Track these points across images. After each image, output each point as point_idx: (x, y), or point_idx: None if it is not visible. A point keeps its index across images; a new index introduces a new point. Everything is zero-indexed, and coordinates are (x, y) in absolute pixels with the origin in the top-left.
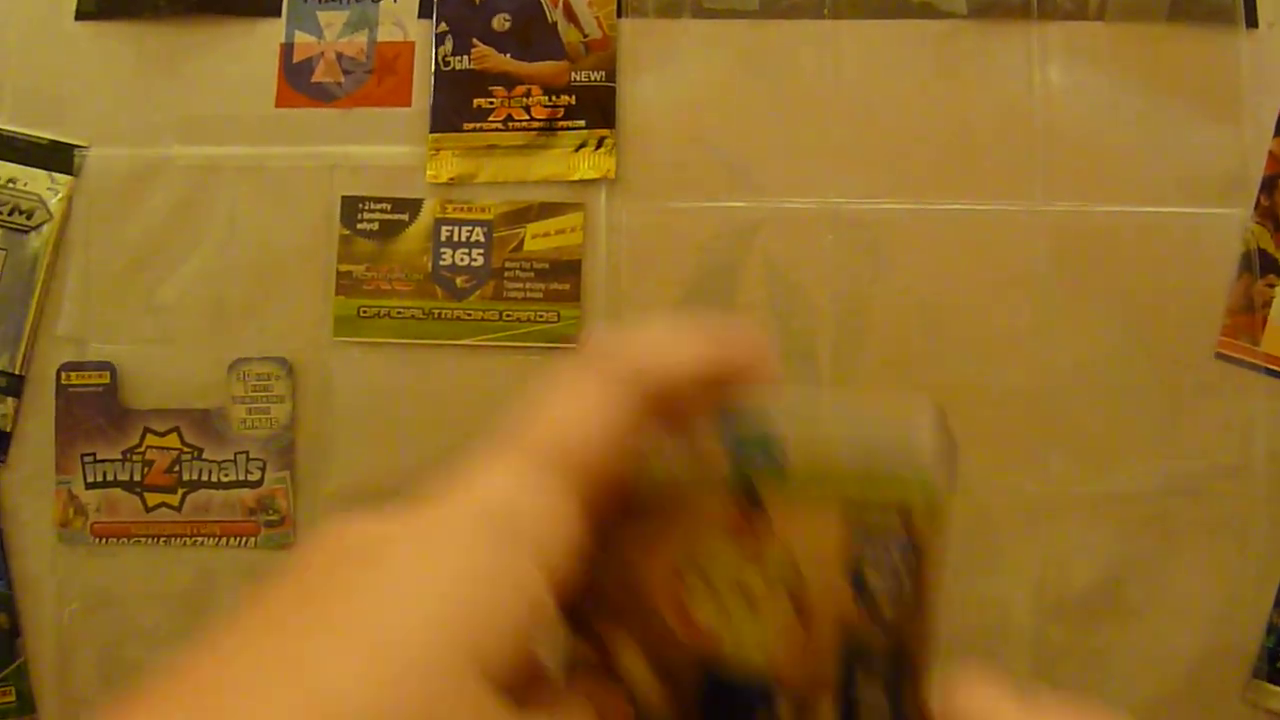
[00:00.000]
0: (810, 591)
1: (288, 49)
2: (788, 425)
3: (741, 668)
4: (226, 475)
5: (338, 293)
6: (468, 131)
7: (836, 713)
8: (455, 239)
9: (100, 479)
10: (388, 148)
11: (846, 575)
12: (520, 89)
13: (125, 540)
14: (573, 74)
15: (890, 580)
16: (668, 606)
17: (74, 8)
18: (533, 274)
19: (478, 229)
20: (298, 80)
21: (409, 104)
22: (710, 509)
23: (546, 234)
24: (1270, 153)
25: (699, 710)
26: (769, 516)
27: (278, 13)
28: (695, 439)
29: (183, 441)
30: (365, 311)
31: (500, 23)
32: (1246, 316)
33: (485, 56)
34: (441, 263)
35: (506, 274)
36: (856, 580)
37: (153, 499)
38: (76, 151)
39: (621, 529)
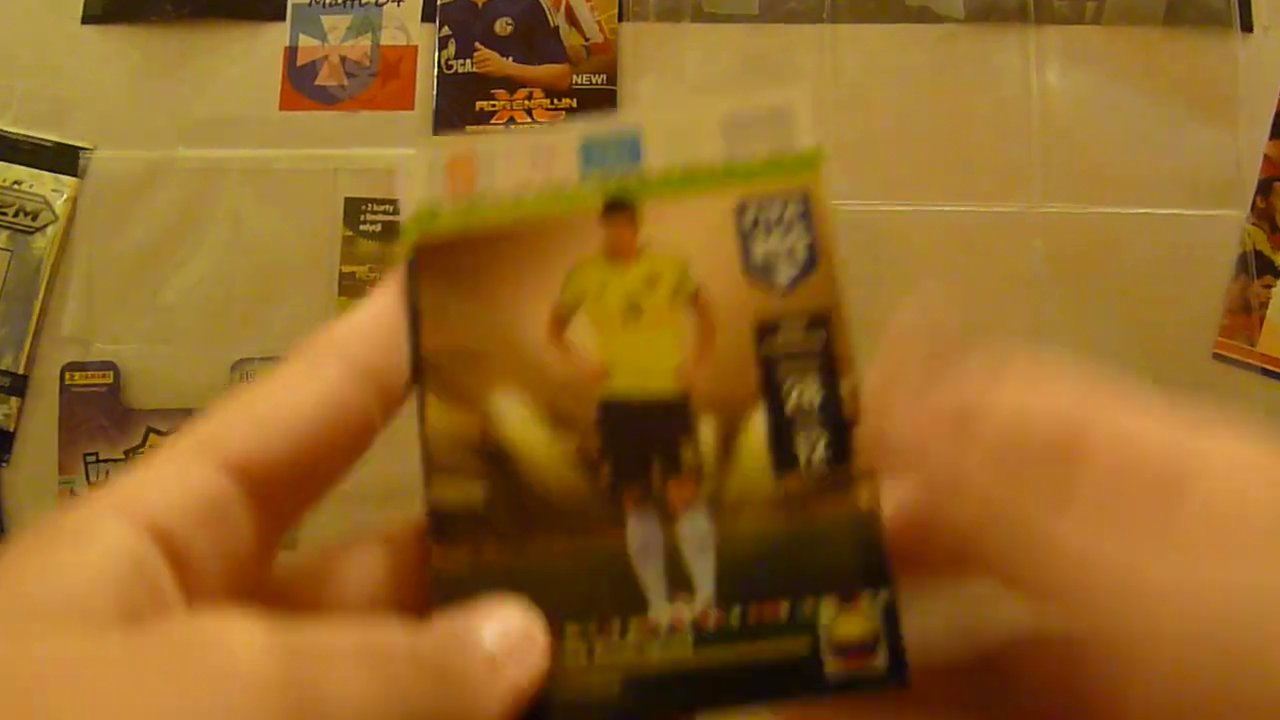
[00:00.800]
0: (706, 295)
1: (291, 52)
2: (645, 129)
3: (649, 395)
4: None
5: (341, 294)
6: (470, 134)
7: (767, 420)
8: None
9: (103, 479)
10: (391, 150)
11: (742, 266)
12: (522, 92)
13: None
14: (574, 77)
15: (788, 257)
16: (555, 351)
17: (80, 11)
18: None
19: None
20: (301, 83)
21: (412, 107)
22: (578, 236)
23: None
24: (1266, 155)
25: (607, 456)
26: (642, 227)
27: (282, 16)
28: (550, 169)
29: None
30: None
31: (502, 26)
32: (1243, 317)
33: (487, 60)
34: None
35: None
36: (754, 267)
37: None
38: (82, 153)
39: (484, 288)
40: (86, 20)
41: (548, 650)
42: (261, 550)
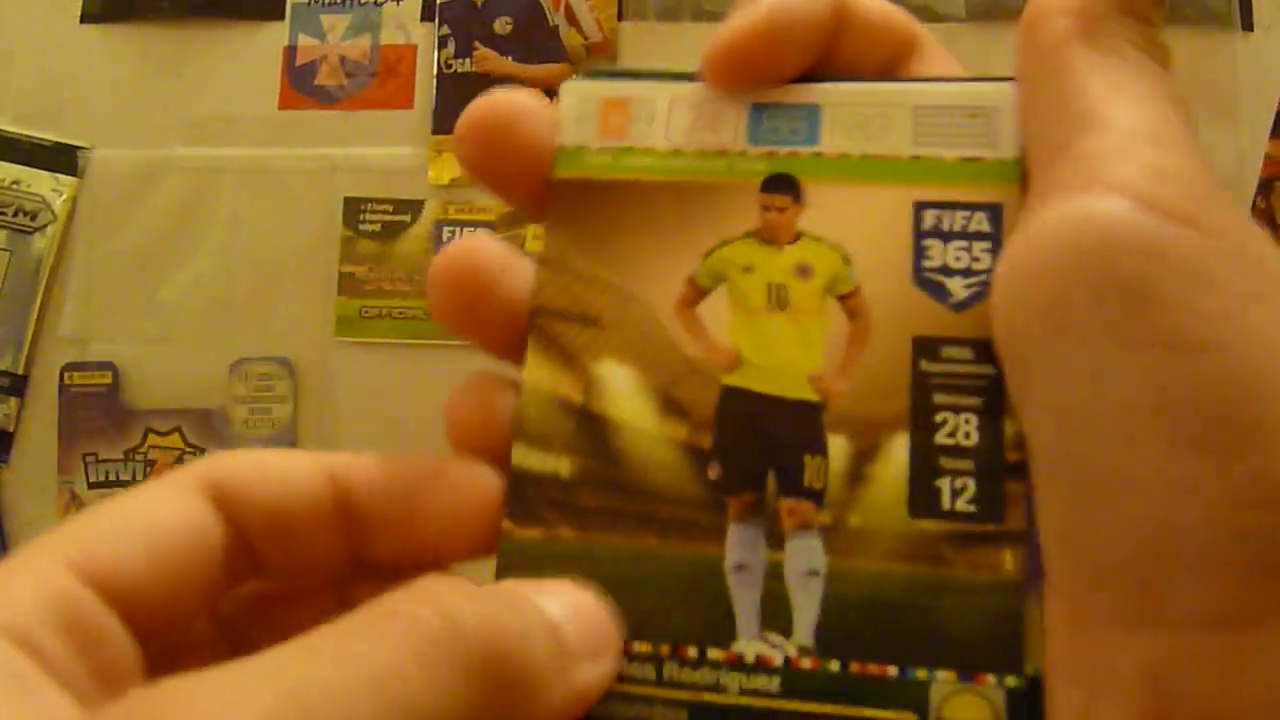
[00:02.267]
0: (864, 297)
1: (291, 51)
2: (825, 106)
3: (780, 395)
4: None
5: (340, 293)
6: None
7: (910, 450)
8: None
9: (102, 479)
10: (390, 149)
11: (912, 272)
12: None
13: None
14: (574, 76)
15: (966, 274)
16: (682, 326)
17: (79, 10)
18: None
19: (479, 230)
20: (301, 82)
21: (411, 106)
22: (731, 207)
23: None
24: (1266, 155)
25: (718, 454)
26: (805, 210)
27: (281, 16)
28: (714, 130)
29: (185, 441)
30: (367, 312)
31: (502, 26)
32: None
33: (487, 59)
34: None
35: None
36: (925, 277)
37: None
38: (80, 153)
39: (613, 245)
40: (85, 19)
41: (621, 652)
42: (144, 663)
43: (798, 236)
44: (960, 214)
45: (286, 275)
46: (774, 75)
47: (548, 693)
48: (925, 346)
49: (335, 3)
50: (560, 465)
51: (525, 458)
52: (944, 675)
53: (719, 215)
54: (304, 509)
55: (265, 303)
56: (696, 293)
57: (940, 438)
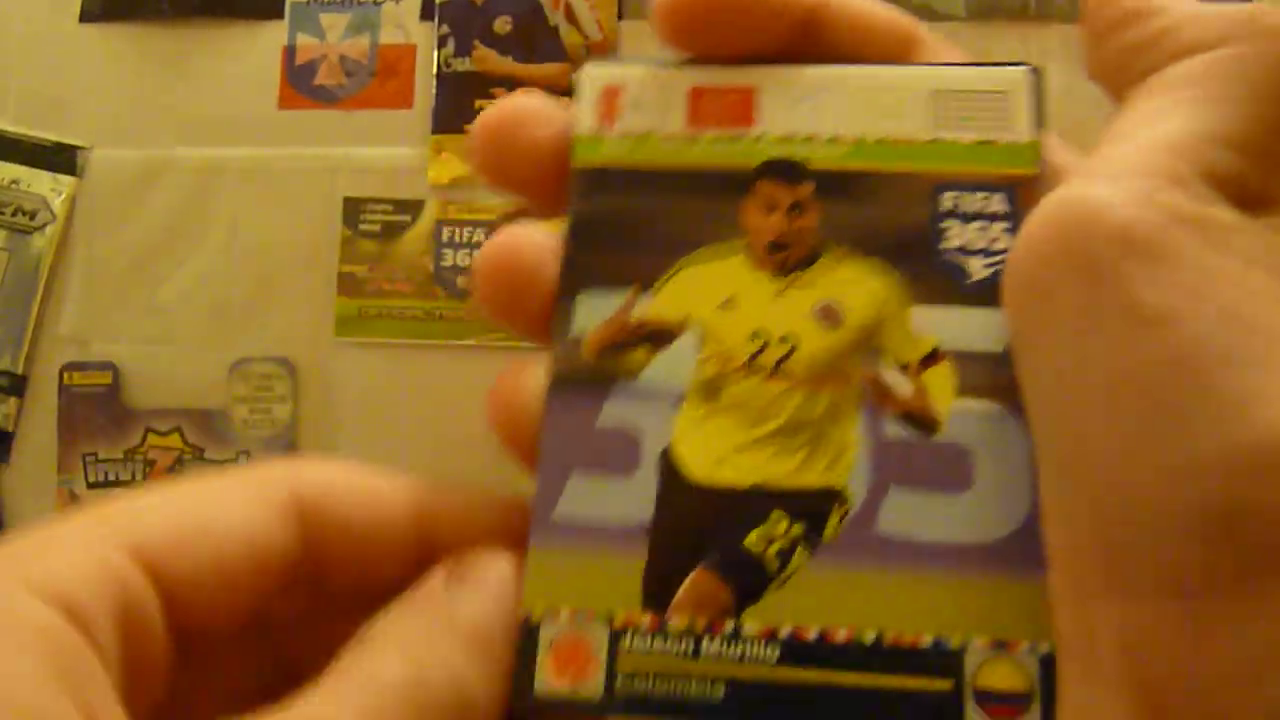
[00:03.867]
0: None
1: (290, 51)
2: (842, 89)
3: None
4: None
5: (340, 293)
6: (469, 133)
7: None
8: (457, 240)
9: (102, 479)
10: (390, 149)
11: (931, 256)
12: (521, 91)
13: None
14: (574, 76)
15: (983, 254)
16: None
17: (78, 10)
18: None
19: (479, 230)
20: (300, 82)
21: (411, 106)
22: (734, 201)
23: None
24: None
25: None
26: (824, 208)
27: (280, 15)
28: (729, 117)
29: (185, 441)
30: (367, 312)
31: (502, 25)
32: None
33: (486, 59)
34: (443, 263)
35: None
36: (942, 259)
37: None
38: (80, 152)
39: (627, 239)
40: (84, 19)
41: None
42: (175, 661)
43: (813, 256)
44: (979, 195)
45: (286, 275)
46: (724, 40)
47: (490, 702)
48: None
49: (335, 2)
50: None
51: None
52: (979, 642)
53: (736, 202)
54: (385, 539)
55: (265, 303)
56: (632, 330)
57: None
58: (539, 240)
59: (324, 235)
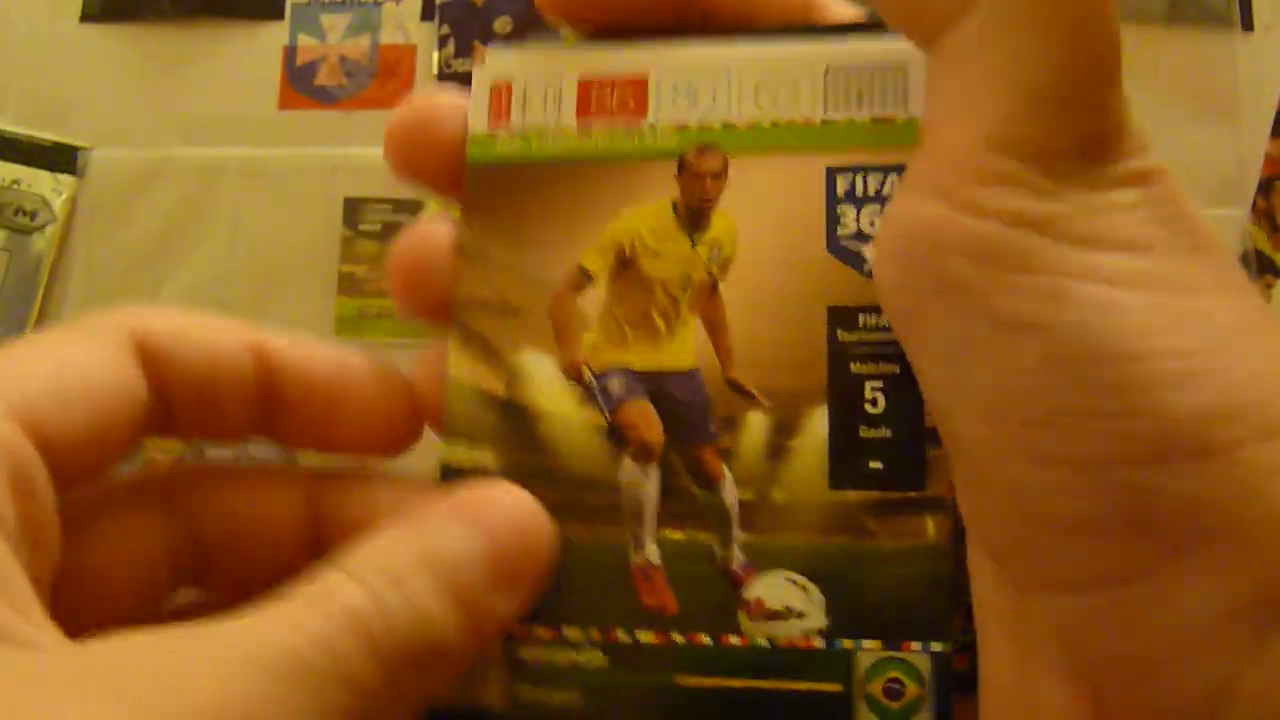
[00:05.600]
0: (719, 294)
1: (290, 51)
2: (735, 70)
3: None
4: None
5: (340, 293)
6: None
7: (830, 421)
8: None
9: None
10: None
11: (826, 241)
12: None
13: None
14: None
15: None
16: (557, 331)
17: (79, 10)
18: None
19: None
20: (301, 82)
21: None
22: (640, 182)
23: None
24: (1266, 154)
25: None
26: (715, 175)
27: (281, 15)
28: (620, 103)
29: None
30: (367, 312)
31: (502, 25)
32: None
33: None
34: None
35: None
36: (839, 245)
37: None
38: (80, 153)
39: (526, 232)
40: (85, 19)
41: (540, 569)
42: (64, 523)
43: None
44: (874, 177)
45: (286, 275)
46: (607, 9)
47: (452, 650)
48: (841, 316)
49: (335, 3)
50: (486, 458)
51: (452, 453)
52: (870, 645)
53: (633, 193)
54: (226, 377)
55: (265, 302)
56: (582, 278)
57: (859, 407)
58: (441, 235)
59: (324, 235)
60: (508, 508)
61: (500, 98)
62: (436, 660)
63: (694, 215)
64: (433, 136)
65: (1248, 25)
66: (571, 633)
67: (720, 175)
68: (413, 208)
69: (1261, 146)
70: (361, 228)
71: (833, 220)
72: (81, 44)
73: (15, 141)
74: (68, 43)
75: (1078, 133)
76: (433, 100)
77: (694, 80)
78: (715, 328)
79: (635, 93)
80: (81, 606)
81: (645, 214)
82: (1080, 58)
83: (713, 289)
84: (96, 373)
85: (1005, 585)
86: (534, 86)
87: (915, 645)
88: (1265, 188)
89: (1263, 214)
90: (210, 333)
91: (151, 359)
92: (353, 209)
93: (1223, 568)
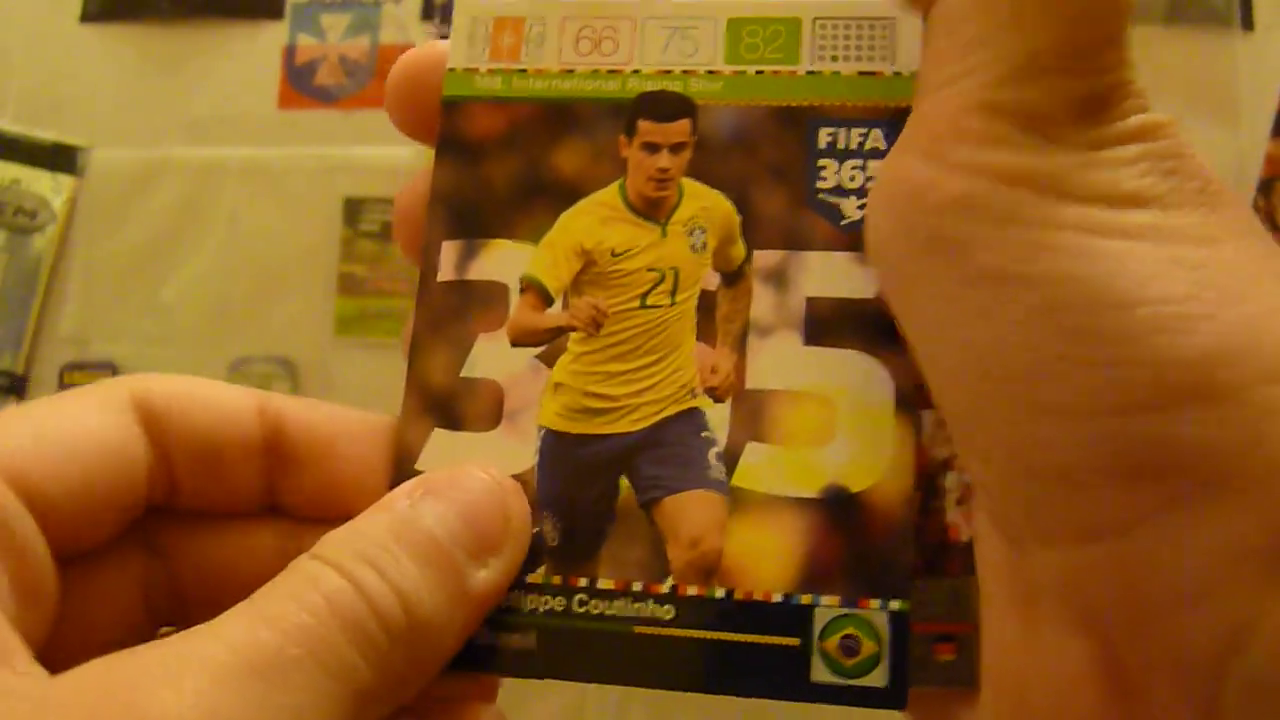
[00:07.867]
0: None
1: (290, 51)
2: (725, 20)
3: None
4: None
5: (340, 293)
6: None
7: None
8: None
9: None
10: (390, 149)
11: (806, 194)
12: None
13: None
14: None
15: (859, 194)
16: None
17: (78, 10)
18: None
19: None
20: (300, 82)
21: None
22: (615, 130)
23: None
24: (1267, 155)
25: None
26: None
27: (280, 15)
28: (606, 50)
29: None
30: (367, 312)
31: None
32: None
33: None
34: None
35: None
36: (817, 199)
37: None
38: (80, 152)
39: (500, 179)
40: (85, 19)
41: (523, 536)
42: (60, 582)
43: (680, 193)
44: (856, 131)
45: (286, 275)
46: None
47: (438, 624)
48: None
49: (335, 2)
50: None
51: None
52: (828, 600)
53: (611, 138)
54: (232, 440)
55: (265, 303)
56: (538, 299)
57: None
58: (437, 54)
59: (324, 235)
60: (478, 479)
61: (484, 34)
62: (425, 638)
63: (649, 200)
64: (431, 86)
65: (1248, 25)
66: (531, 577)
67: (682, 147)
68: None
69: (1261, 146)
70: (361, 228)
71: (813, 173)
72: (81, 44)
73: (15, 141)
74: (67, 43)
75: (1073, 95)
76: (430, 50)
77: (679, 26)
78: (729, 334)
79: (620, 36)
80: (61, 646)
81: (592, 205)
82: (1077, 21)
83: (731, 279)
84: (88, 428)
85: (1004, 543)
86: (514, 25)
87: (874, 603)
88: (1265, 188)
89: (1264, 214)
90: (215, 395)
91: (152, 418)
92: (353, 209)
93: (1230, 512)
